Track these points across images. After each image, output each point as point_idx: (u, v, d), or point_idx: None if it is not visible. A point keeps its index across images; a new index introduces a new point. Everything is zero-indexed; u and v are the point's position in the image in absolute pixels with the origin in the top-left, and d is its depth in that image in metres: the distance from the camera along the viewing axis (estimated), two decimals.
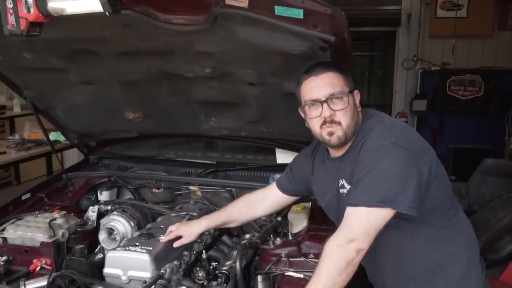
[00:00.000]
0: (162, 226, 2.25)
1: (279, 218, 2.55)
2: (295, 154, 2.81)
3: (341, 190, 1.72)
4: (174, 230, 2.06)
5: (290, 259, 2.08)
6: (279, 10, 1.57)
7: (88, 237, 2.32)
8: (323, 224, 2.27)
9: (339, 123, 1.62)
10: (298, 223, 2.35)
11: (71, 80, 2.33)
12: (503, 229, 3.83)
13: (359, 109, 1.69)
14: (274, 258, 2.10)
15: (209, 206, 2.60)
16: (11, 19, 1.39)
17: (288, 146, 2.63)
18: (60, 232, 2.17)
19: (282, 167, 2.74)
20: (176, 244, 2.02)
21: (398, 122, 1.76)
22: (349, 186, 1.65)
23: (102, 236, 2.24)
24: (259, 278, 2.00)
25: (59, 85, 2.39)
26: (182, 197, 2.78)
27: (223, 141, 2.95)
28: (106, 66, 2.16)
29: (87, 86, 2.38)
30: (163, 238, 2.04)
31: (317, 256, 1.99)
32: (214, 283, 2.00)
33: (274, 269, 2.07)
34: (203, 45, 1.88)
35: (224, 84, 2.19)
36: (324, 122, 1.64)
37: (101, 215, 2.50)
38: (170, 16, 1.72)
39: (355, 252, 1.44)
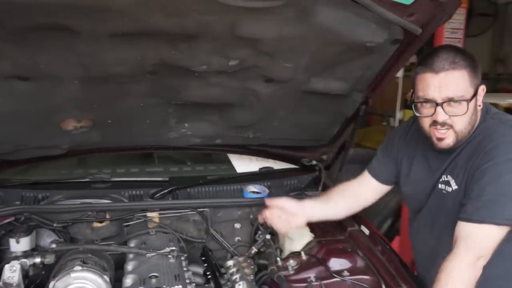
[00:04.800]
0: (156, 275, 1.69)
1: (268, 236, 2.24)
2: (258, 159, 2.57)
3: (440, 186, 1.58)
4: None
5: (323, 282, 1.83)
6: None
7: None
8: (326, 234, 2.10)
9: (451, 126, 1.46)
10: (301, 238, 2.11)
11: None
12: (390, 212, 4.26)
13: (480, 107, 1.52)
14: (304, 284, 1.82)
15: (175, 235, 2.09)
16: None
17: (266, 153, 2.32)
18: None
19: (252, 176, 2.46)
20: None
21: None
22: (456, 186, 1.52)
23: None
24: None
25: None
26: (130, 228, 2.14)
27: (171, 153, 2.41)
28: (79, 52, 1.49)
29: (18, 83, 1.60)
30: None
31: (353, 273, 1.84)
32: None
33: None
34: (255, 28, 1.46)
35: (235, 80, 1.78)
36: (435, 123, 1.46)
37: (27, 276, 1.79)
38: None
39: (481, 268, 1.41)
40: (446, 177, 1.57)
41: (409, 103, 1.56)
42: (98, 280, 1.66)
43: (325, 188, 2.47)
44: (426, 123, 1.49)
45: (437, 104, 1.42)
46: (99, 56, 1.52)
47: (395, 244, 4.00)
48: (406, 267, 1.88)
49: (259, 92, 1.87)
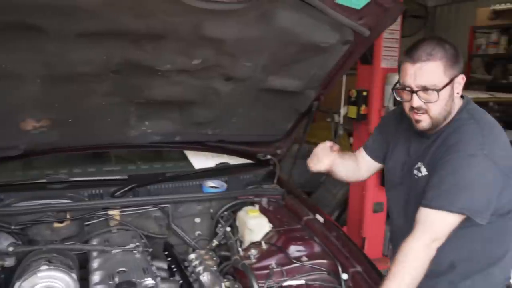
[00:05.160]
0: (124, 269, 1.72)
1: (228, 229, 2.32)
2: (214, 156, 2.63)
3: (414, 171, 1.71)
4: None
5: (284, 267, 1.93)
6: None
7: None
8: (283, 224, 2.21)
9: (426, 111, 1.59)
10: (260, 229, 2.21)
11: None
12: (337, 204, 4.47)
13: (458, 95, 1.63)
14: (266, 271, 1.91)
15: (137, 231, 2.12)
16: None
17: (224, 149, 2.39)
18: None
19: (210, 172, 2.52)
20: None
21: (492, 124, 1.69)
22: (425, 173, 1.65)
23: None
24: None
25: None
26: (91, 228, 2.14)
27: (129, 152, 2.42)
28: (43, 51, 1.49)
29: None
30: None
31: (311, 258, 1.96)
32: None
33: (273, 283, 1.89)
34: (218, 29, 1.54)
35: (196, 79, 1.84)
36: (412, 109, 1.60)
37: None
38: None
39: (436, 250, 1.53)
40: (419, 163, 1.70)
41: (392, 88, 1.68)
42: (66, 278, 1.66)
43: (280, 181, 2.60)
44: (406, 107, 1.63)
45: (412, 91, 1.56)
46: (65, 55, 1.52)
47: None
48: (359, 249, 2.03)
49: (219, 90, 1.94)
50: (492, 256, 1.74)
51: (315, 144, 2.02)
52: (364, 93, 3.81)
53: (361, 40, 1.70)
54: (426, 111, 1.59)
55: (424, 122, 1.61)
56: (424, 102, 1.56)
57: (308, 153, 2.05)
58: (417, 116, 1.61)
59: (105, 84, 1.76)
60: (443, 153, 1.58)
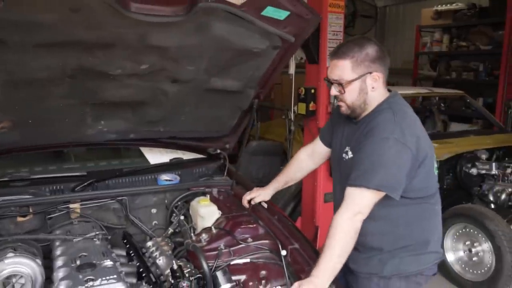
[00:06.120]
0: (85, 254, 1.90)
1: (182, 217, 2.53)
2: (168, 151, 2.83)
3: (344, 154, 1.95)
4: (248, 196, 2.33)
5: (231, 248, 2.13)
6: (268, 10, 1.69)
7: None
8: (231, 211, 2.42)
9: (343, 100, 1.87)
10: (211, 216, 2.40)
11: None
12: (292, 196, 4.73)
13: (373, 89, 1.85)
14: (215, 252, 2.10)
15: (96, 222, 2.29)
16: None
17: (176, 145, 2.59)
18: None
19: (164, 166, 2.72)
20: (255, 201, 2.34)
21: (406, 114, 1.89)
22: (351, 155, 1.91)
23: None
24: (220, 273, 2.01)
25: None
26: (53, 221, 2.31)
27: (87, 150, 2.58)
28: (4, 60, 1.66)
29: None
30: (245, 202, 2.34)
31: (255, 239, 2.19)
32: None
33: (221, 262, 2.09)
34: (161, 38, 1.75)
35: (145, 81, 2.04)
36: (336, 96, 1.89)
37: None
38: (143, 6, 1.55)
39: (360, 222, 1.75)
40: (347, 147, 1.94)
41: (324, 79, 1.96)
42: (31, 263, 1.78)
43: (229, 173, 2.80)
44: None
45: (331, 83, 1.85)
46: (24, 63, 1.69)
47: (298, 224, 4.42)
48: (298, 229, 2.26)
49: (167, 91, 2.13)
50: (416, 238, 1.95)
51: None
52: (312, 91, 4.06)
53: (289, 45, 1.96)
54: (342, 99, 1.87)
55: (343, 107, 1.90)
56: (338, 92, 1.84)
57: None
58: (338, 102, 1.90)
59: (62, 88, 1.93)
60: (362, 138, 1.82)
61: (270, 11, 1.70)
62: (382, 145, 1.76)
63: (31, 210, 2.23)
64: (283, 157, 5.57)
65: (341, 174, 2.00)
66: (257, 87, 2.29)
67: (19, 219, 2.21)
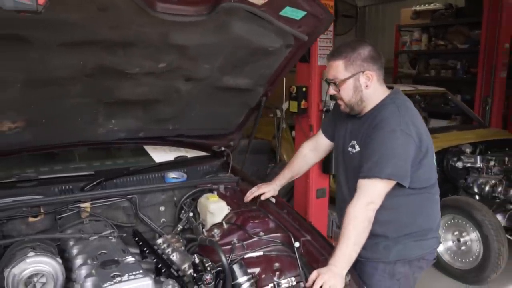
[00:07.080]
0: (105, 252, 1.92)
1: (190, 214, 2.56)
2: (172, 150, 2.85)
3: (349, 148, 2.04)
4: (256, 190, 2.39)
5: (244, 242, 2.18)
6: (287, 10, 1.75)
7: None
8: (240, 206, 2.47)
9: (341, 99, 1.98)
10: (220, 212, 2.45)
11: None
12: (285, 192, 4.81)
13: (366, 87, 1.94)
14: (229, 246, 2.14)
15: (107, 221, 2.31)
16: None
17: (182, 143, 2.62)
18: None
19: (169, 165, 2.74)
20: (266, 196, 2.39)
21: (408, 108, 1.99)
22: (358, 149, 1.99)
23: None
24: (237, 266, 2.06)
25: None
26: (63, 221, 2.31)
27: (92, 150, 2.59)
28: (25, 59, 1.66)
29: None
30: (250, 197, 2.38)
31: (267, 233, 2.25)
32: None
33: (236, 256, 2.13)
34: (182, 37, 1.79)
35: (160, 80, 2.06)
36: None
37: None
38: (168, 6, 1.59)
39: (373, 211, 1.84)
40: (353, 141, 2.02)
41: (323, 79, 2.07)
42: (52, 262, 1.80)
43: (234, 170, 2.86)
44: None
45: (328, 83, 1.95)
46: (45, 62, 1.70)
47: None
48: (307, 222, 2.34)
49: (180, 89, 2.16)
50: (419, 226, 2.06)
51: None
52: (304, 89, 4.15)
53: (301, 44, 2.03)
54: (340, 98, 1.98)
55: (342, 105, 2.01)
56: (335, 91, 1.95)
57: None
58: (338, 101, 2.00)
59: (78, 86, 1.93)
60: (370, 131, 1.92)
61: (288, 11, 1.76)
62: (390, 137, 1.87)
63: (42, 210, 2.23)
64: (271, 155, 5.65)
65: (346, 167, 2.11)
66: (266, 85, 2.34)
67: (31, 219, 2.21)
